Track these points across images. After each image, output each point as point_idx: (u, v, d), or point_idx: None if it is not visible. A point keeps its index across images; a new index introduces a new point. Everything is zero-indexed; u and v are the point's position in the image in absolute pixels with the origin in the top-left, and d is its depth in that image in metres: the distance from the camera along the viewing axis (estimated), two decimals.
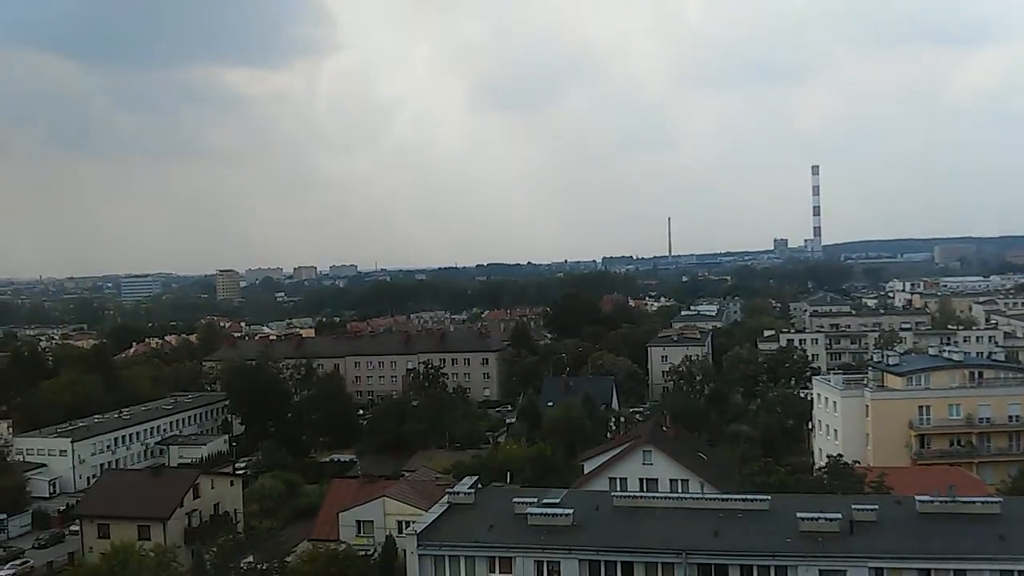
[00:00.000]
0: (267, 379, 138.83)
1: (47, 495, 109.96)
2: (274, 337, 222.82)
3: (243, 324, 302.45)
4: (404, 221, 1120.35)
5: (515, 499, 54.38)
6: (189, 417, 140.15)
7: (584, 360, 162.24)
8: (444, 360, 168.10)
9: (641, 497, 57.06)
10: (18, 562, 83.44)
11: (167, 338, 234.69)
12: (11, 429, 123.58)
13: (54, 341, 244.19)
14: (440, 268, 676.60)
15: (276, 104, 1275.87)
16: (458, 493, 56.95)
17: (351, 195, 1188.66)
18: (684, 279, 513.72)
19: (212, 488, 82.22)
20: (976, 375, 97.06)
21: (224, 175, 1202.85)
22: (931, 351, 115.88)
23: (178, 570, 62.20)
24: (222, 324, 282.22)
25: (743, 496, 54.83)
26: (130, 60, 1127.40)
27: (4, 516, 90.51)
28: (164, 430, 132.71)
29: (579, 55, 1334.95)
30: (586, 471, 77.45)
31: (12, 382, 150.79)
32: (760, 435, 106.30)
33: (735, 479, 73.63)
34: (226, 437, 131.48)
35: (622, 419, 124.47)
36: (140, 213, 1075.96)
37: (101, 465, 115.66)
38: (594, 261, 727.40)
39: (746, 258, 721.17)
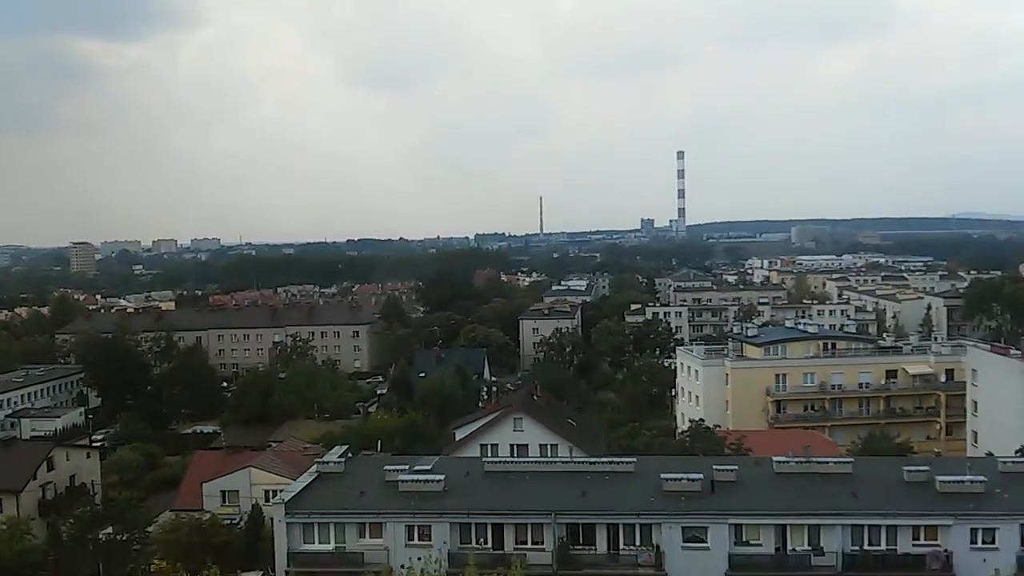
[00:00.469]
0: (124, 352, 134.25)
1: None
2: (132, 310, 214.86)
3: (98, 297, 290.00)
4: (271, 196, 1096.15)
5: (386, 467, 54.24)
6: (41, 390, 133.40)
7: (457, 333, 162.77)
8: (313, 333, 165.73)
9: (512, 462, 57.87)
10: None
11: (17, 311, 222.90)
12: None
13: None
14: (309, 243, 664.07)
15: (134, 77, 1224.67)
16: (327, 462, 56.43)
17: (214, 170, 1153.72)
18: (555, 256, 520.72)
19: (67, 460, 78.77)
20: (829, 346, 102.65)
21: (79, 148, 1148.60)
22: (787, 324, 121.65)
23: (32, 542, 59.58)
24: (76, 297, 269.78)
25: (610, 460, 56.32)
26: None
27: None
28: (15, 403, 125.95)
29: (452, 40, 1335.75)
30: (457, 439, 77.98)
31: None
32: (626, 402, 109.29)
33: (602, 444, 75.42)
34: (82, 410, 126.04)
35: (494, 389, 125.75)
36: None
37: None
38: (467, 237, 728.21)
39: (614, 236, 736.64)
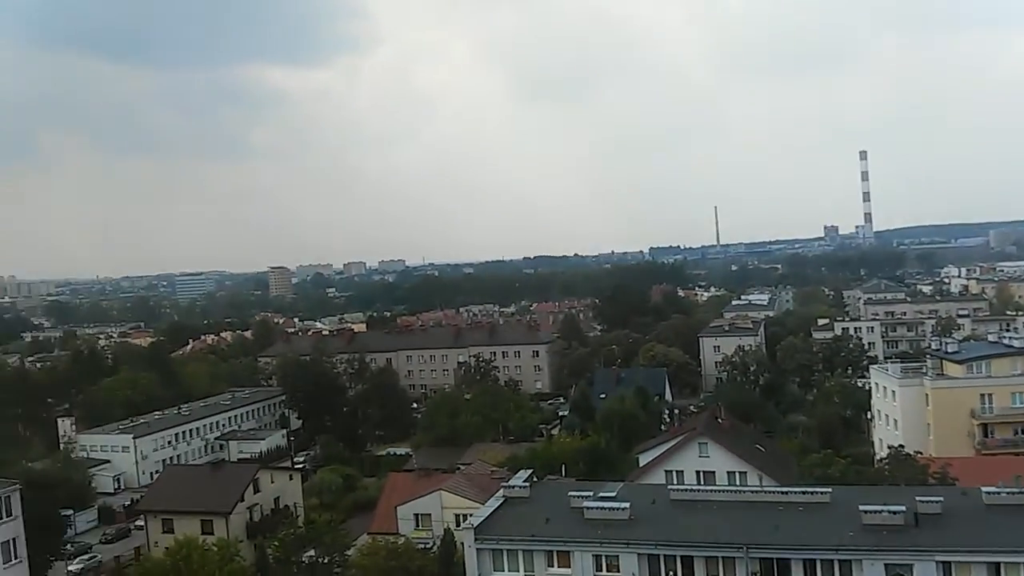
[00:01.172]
0: (322, 374, 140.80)
1: (111, 491, 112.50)
2: (326, 332, 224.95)
3: (296, 320, 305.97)
4: (450, 215, 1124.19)
5: (571, 492, 54.43)
6: (247, 412, 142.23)
7: (635, 352, 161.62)
8: (495, 353, 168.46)
9: (699, 490, 56.82)
10: (86, 556, 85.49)
11: (222, 335, 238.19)
12: (74, 426, 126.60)
13: (112, 339, 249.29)
14: (487, 261, 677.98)
15: (318, 101, 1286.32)
16: (513, 487, 57.17)
17: (396, 190, 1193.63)
18: (733, 268, 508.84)
19: (272, 482, 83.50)
20: None
21: (271, 173, 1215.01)
22: (990, 338, 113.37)
23: (241, 564, 63.22)
24: (276, 320, 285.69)
25: (803, 488, 54.34)
26: (168, 61, 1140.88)
27: (71, 511, 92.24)
28: (223, 425, 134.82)
29: (620, 44, 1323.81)
30: (641, 464, 77.24)
31: (73, 380, 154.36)
32: (818, 426, 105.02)
33: (794, 471, 72.94)
34: (284, 432, 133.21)
35: (676, 411, 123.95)
36: (191, 213, 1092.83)
37: (163, 461, 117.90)
38: (641, 252, 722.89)
39: (796, 246, 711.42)
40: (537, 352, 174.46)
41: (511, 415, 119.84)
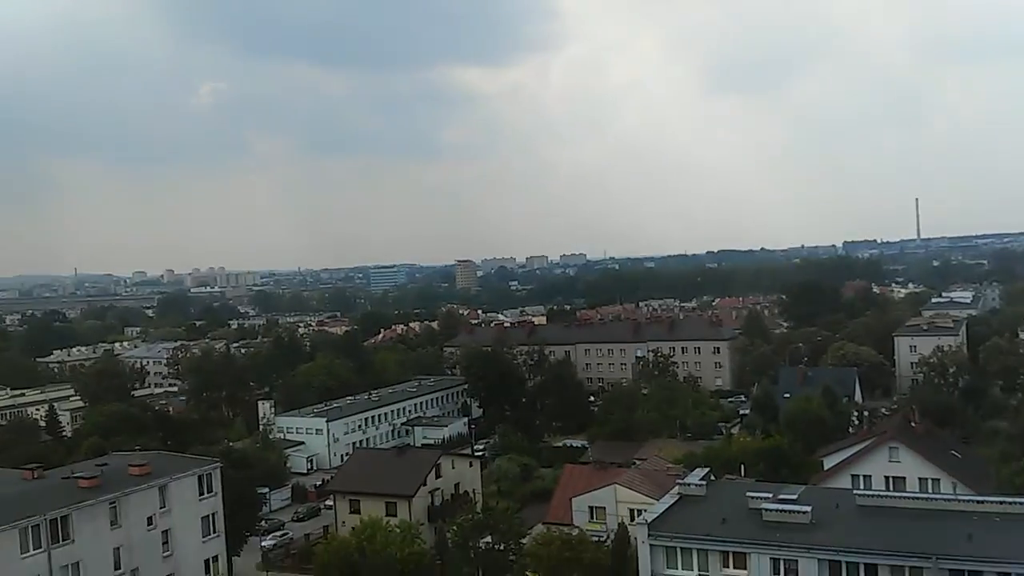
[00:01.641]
0: (502, 364, 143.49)
1: (305, 471, 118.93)
2: (508, 324, 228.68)
3: (479, 311, 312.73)
4: (633, 209, 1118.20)
5: (749, 493, 53.22)
6: (431, 400, 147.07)
7: (823, 350, 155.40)
8: (674, 348, 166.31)
9: (887, 496, 54.25)
10: (279, 533, 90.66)
11: (411, 324, 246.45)
12: (273, 409, 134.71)
13: (311, 328, 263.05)
14: (669, 256, 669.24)
15: (508, 100, 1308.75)
16: (689, 484, 56.44)
17: (581, 185, 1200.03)
18: (935, 263, 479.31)
19: (453, 468, 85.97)
20: None
21: (461, 169, 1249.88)
22: None
23: (421, 546, 65.29)
24: (461, 311, 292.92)
25: (1001, 499, 50.90)
26: (373, 63, 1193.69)
27: (267, 489, 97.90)
28: (409, 412, 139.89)
29: (814, 31, 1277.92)
30: (826, 467, 74.47)
31: (274, 365, 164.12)
32: (1021, 433, 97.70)
33: (992, 480, 68.32)
34: (465, 420, 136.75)
35: (865, 413, 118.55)
36: (386, 209, 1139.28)
37: (353, 444, 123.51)
38: (834, 246, 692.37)
39: (1005, 240, 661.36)
40: (718, 348, 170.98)
41: (689, 412, 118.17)
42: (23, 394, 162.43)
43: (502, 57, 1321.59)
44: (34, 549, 53.33)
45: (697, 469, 62.98)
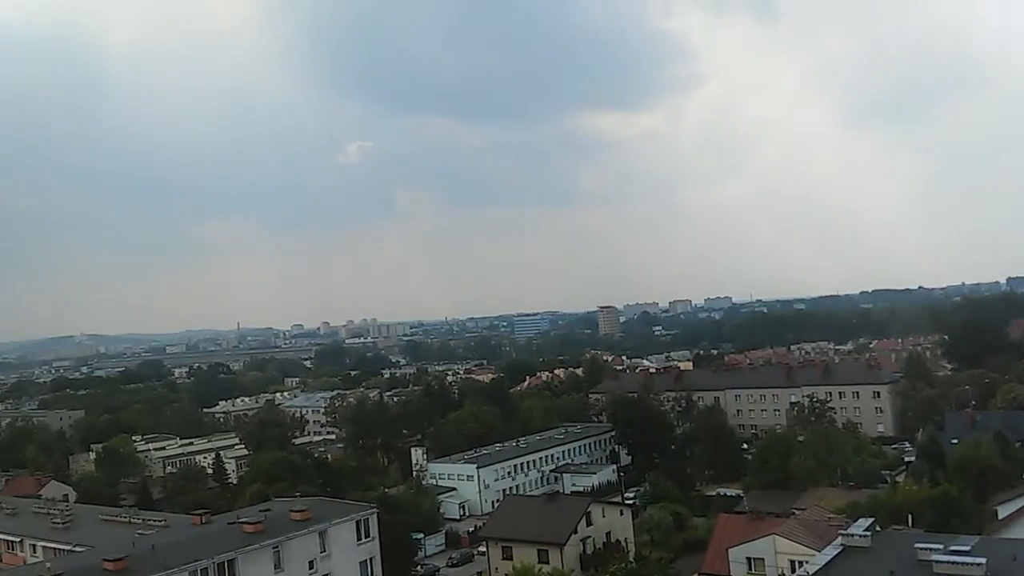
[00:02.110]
0: (650, 411, 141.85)
1: (457, 517, 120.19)
2: (654, 370, 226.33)
3: (624, 358, 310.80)
4: (778, 249, 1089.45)
5: (917, 544, 50.53)
6: (579, 447, 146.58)
7: (992, 393, 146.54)
8: (830, 393, 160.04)
9: None
10: None
11: (555, 371, 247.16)
12: (425, 455, 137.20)
13: (459, 376, 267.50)
14: (820, 296, 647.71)
15: (644, 143, 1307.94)
16: (853, 535, 54.11)
17: (721, 226, 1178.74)
18: None
19: (603, 516, 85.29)
20: None
21: (599, 215, 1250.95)
22: None
23: None
24: (605, 358, 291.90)
25: None
26: (510, 115, 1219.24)
27: (422, 535, 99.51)
28: (557, 458, 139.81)
29: (959, 59, 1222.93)
30: (1000, 516, 70.11)
31: (425, 413, 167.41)
32: None
33: None
34: (614, 467, 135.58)
35: None
36: (528, 257, 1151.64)
37: (503, 490, 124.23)
38: (997, 282, 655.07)
39: None
40: (878, 393, 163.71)
41: (849, 459, 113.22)
42: (191, 443, 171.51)
43: (637, 101, 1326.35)
44: None
45: (861, 519, 60.26)
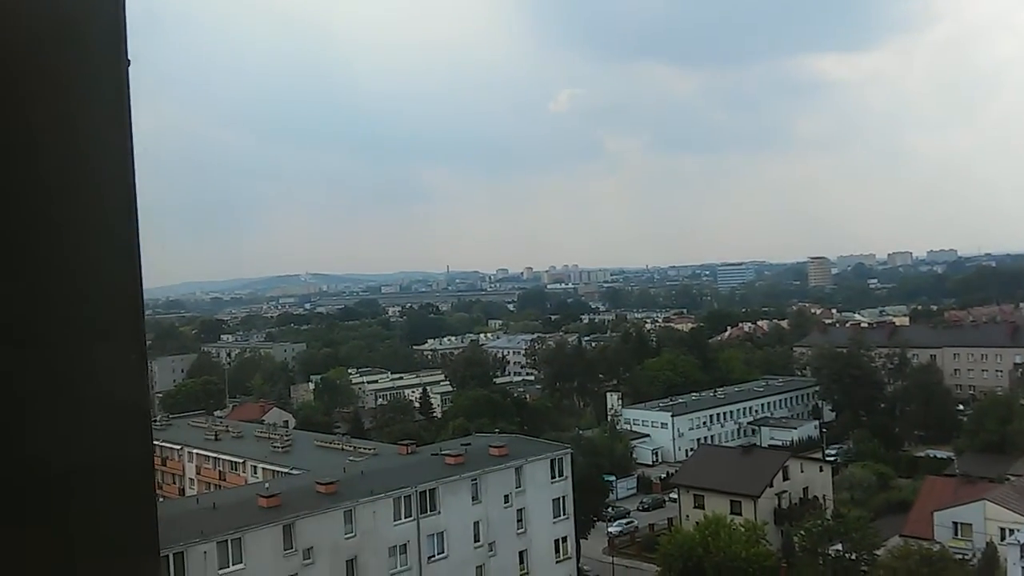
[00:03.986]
0: (858, 367, 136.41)
1: (650, 463, 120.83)
2: (865, 325, 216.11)
3: (834, 311, 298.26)
4: (1010, 200, 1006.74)
5: None
6: (779, 400, 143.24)
7: None
8: None
9: None
10: (625, 521, 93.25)
11: (759, 323, 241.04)
12: (621, 401, 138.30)
13: (657, 324, 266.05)
14: None
15: (866, 86, 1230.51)
16: None
17: (950, 174, 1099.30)
18: None
19: (801, 472, 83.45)
20: None
21: (814, 163, 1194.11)
22: None
23: (766, 547, 64.25)
24: (812, 311, 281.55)
25: None
26: (724, 59, 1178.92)
27: (614, 478, 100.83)
28: (755, 411, 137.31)
29: None
30: None
31: (622, 359, 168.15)
32: None
33: None
34: (816, 423, 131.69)
35: None
36: (735, 205, 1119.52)
37: (697, 439, 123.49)
38: None
39: None
40: None
41: None
42: (401, 377, 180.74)
43: (862, 41, 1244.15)
44: (405, 517, 59.34)
45: None
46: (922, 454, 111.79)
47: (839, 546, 64.21)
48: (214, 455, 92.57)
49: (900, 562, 58.62)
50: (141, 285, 2.29)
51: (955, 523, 67.48)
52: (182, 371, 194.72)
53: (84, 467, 2.09)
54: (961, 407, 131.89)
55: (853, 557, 62.98)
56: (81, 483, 2.08)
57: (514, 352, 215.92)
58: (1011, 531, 54.89)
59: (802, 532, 67.02)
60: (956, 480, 78.10)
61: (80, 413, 2.01)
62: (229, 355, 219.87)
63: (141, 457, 2.26)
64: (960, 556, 60.78)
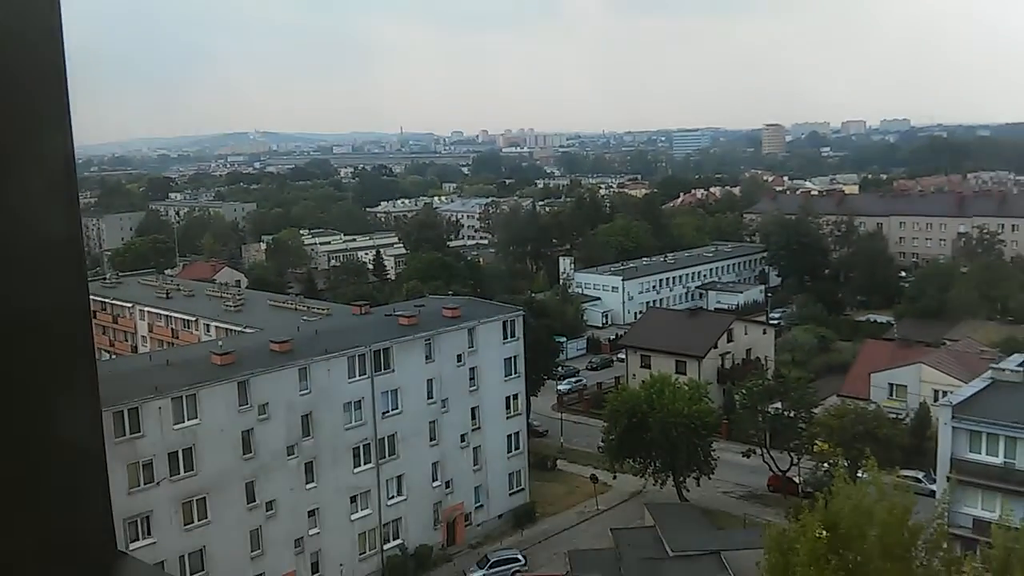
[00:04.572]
0: (806, 234, 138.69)
1: (600, 325, 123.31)
2: (815, 193, 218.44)
3: (785, 179, 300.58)
4: (967, 70, 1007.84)
5: None
6: (728, 266, 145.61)
7: None
8: (1002, 225, 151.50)
9: None
10: (574, 380, 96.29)
11: (711, 190, 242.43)
12: (573, 265, 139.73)
13: (612, 189, 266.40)
14: (1009, 123, 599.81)
15: None
16: (1004, 369, 52.79)
17: (910, 43, 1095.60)
18: None
19: (745, 334, 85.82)
20: None
21: (774, 27, 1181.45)
22: None
23: (708, 405, 66.33)
24: (764, 178, 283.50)
25: None
26: None
27: (564, 339, 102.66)
28: (704, 276, 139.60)
29: None
30: None
31: (575, 224, 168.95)
32: None
33: None
34: (762, 287, 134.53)
35: None
36: (693, 70, 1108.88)
37: (646, 303, 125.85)
38: None
39: None
40: None
41: (1014, 294, 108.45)
42: (354, 239, 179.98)
43: None
44: (359, 375, 60.16)
45: (1016, 355, 58.54)
46: (863, 319, 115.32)
47: (778, 404, 66.59)
48: (166, 313, 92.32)
49: (836, 420, 61.18)
50: (70, 122, 2.17)
51: (891, 384, 70.32)
52: (130, 229, 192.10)
53: (14, 315, 1.96)
54: (904, 274, 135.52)
55: (791, 415, 65.40)
56: (13, 332, 1.95)
57: (468, 216, 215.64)
58: (944, 393, 57.40)
59: (743, 391, 69.21)
60: (894, 344, 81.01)
61: (10, 259, 1.97)
62: (178, 214, 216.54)
63: (75, 302, 2.11)
64: (894, 415, 63.57)
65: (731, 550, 52.13)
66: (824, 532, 31.99)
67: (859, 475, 42.06)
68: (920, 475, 57.71)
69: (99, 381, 2.07)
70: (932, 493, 48.01)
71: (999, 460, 46.93)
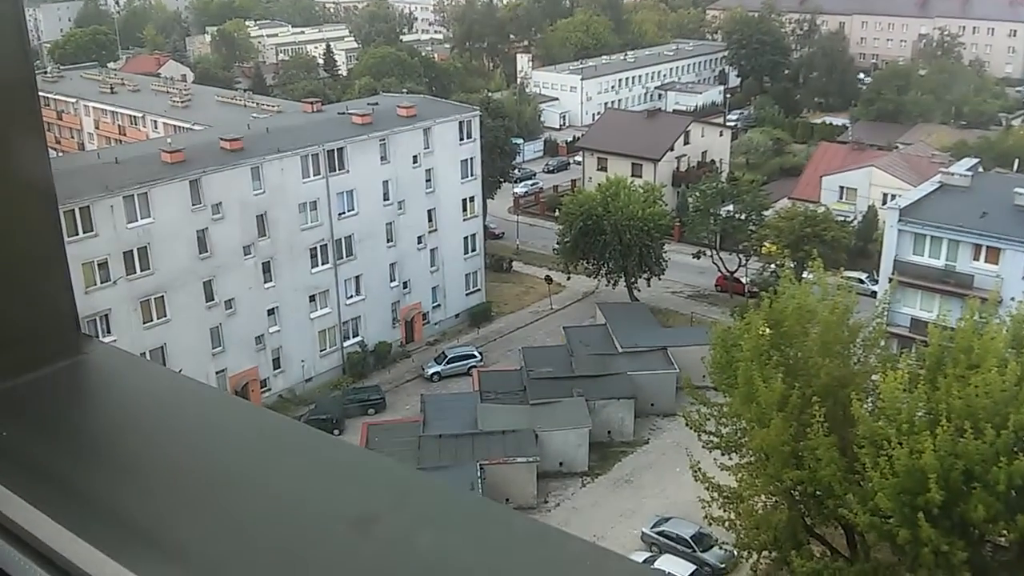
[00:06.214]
0: (767, 32, 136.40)
1: (557, 127, 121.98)
2: None
3: None
4: None
5: (1017, 188, 50.07)
6: (688, 65, 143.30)
7: None
8: (963, 28, 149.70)
9: None
10: (530, 182, 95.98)
11: None
12: (531, 63, 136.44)
13: None
14: None
15: None
16: (953, 174, 53.67)
17: None
18: None
19: (702, 136, 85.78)
20: None
21: None
22: None
23: (662, 207, 66.98)
24: None
25: None
26: None
27: (521, 140, 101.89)
28: (663, 76, 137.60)
29: None
30: None
31: (534, 19, 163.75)
32: None
33: None
34: (721, 88, 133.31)
35: None
36: None
37: (605, 103, 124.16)
38: None
39: None
40: (1015, 31, 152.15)
41: (968, 98, 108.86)
42: (303, 32, 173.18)
43: None
44: (314, 175, 59.46)
45: (965, 159, 59.45)
46: (820, 121, 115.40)
47: (730, 207, 67.57)
48: (112, 108, 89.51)
49: (785, 222, 62.36)
50: None
51: (842, 187, 71.40)
52: (69, 20, 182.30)
53: None
54: (862, 76, 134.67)
55: (743, 217, 66.54)
56: None
57: (422, 8, 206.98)
58: (893, 196, 58.41)
59: (697, 194, 69.91)
60: (848, 147, 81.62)
61: None
62: (118, 3, 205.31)
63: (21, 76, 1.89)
64: (842, 218, 64.94)
65: (678, 346, 54.36)
66: (767, 329, 33.39)
67: (804, 276, 43.42)
68: (864, 276, 59.73)
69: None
70: (874, 294, 49.77)
71: (940, 263, 48.53)
